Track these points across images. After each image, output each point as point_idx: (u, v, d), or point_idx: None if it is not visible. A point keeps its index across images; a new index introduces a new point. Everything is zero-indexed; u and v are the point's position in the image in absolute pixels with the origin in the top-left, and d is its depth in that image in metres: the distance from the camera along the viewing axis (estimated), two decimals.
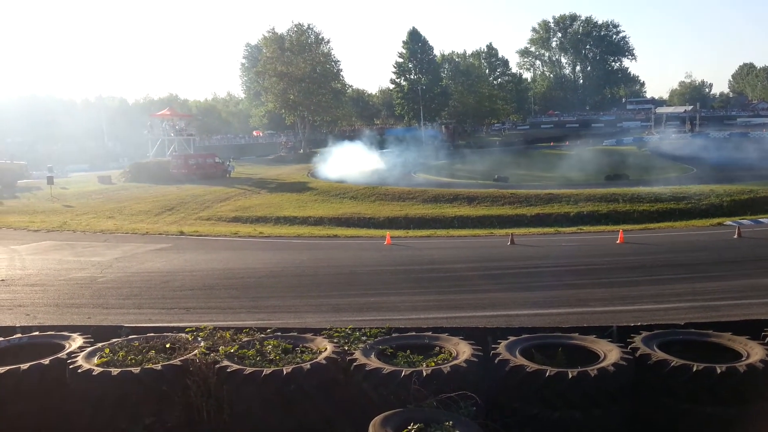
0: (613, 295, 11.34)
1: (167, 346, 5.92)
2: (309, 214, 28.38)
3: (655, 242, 19.49)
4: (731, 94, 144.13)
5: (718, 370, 4.87)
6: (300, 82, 70.97)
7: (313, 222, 27.16)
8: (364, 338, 6.19)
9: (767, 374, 4.95)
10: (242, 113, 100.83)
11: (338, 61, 77.60)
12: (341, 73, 78.72)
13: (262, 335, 6.27)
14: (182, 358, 5.54)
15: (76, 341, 6.11)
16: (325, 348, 5.78)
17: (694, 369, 4.93)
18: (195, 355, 5.56)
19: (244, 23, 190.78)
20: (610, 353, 5.34)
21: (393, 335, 6.23)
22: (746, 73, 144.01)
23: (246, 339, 6.11)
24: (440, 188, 32.74)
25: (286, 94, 72.04)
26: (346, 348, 5.89)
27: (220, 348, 5.74)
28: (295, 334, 6.36)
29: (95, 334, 6.46)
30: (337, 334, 6.34)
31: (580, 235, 21.69)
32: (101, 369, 5.20)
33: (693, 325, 6.22)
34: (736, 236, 18.87)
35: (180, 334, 6.27)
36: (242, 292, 11.86)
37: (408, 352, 5.67)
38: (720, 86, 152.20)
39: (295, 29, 74.19)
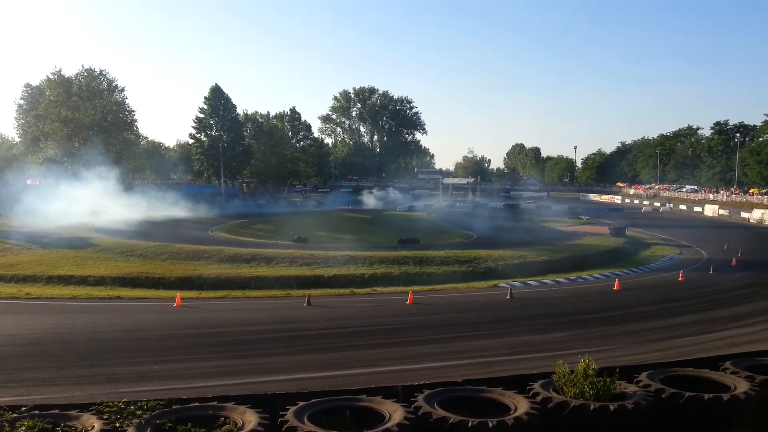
0: (402, 354, 11.81)
1: None
2: (89, 273, 25.75)
3: (441, 302, 20.89)
4: (506, 170, 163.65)
5: (490, 425, 5.22)
6: (87, 130, 65.76)
7: (93, 282, 24.69)
8: (139, 412, 5.62)
9: (531, 426, 5.41)
10: (16, 159, 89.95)
11: (133, 110, 73.57)
12: (135, 123, 74.73)
13: (15, 415, 5.38)
14: None
15: None
16: (93, 426, 5.15)
17: (470, 425, 5.22)
18: None
19: (24, 61, 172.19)
20: (395, 413, 5.45)
21: (174, 407, 5.73)
22: (518, 152, 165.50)
23: None
24: (238, 247, 31.91)
25: (71, 142, 66.20)
26: (118, 425, 5.30)
27: None
28: (57, 411, 5.57)
29: None
30: (108, 408, 5.69)
31: (374, 296, 22.49)
32: None
33: (470, 382, 6.62)
34: (508, 297, 20.99)
35: None
36: None
37: (189, 425, 5.24)
38: (497, 162, 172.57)
39: (86, 74, 69.14)
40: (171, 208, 56.54)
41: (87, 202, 46.03)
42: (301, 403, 5.70)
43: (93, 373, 9.73)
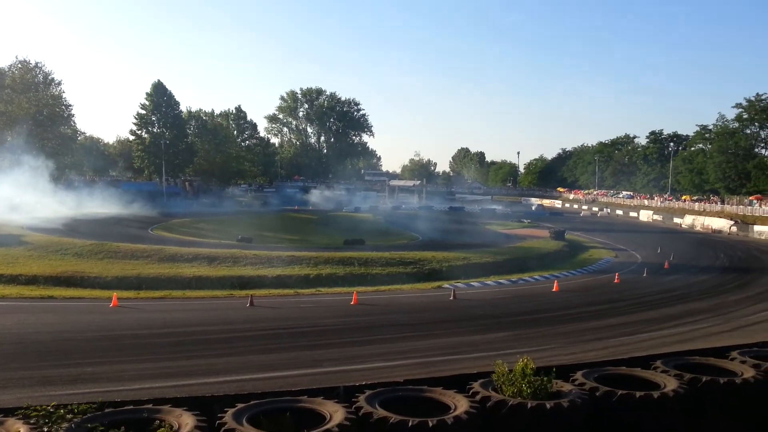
0: (344, 355, 11.77)
1: None
2: (19, 272, 24.61)
3: (385, 303, 20.94)
4: (451, 173, 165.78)
5: (430, 424, 5.26)
6: (21, 124, 63.07)
7: (24, 281, 23.60)
8: (69, 416, 5.41)
9: (470, 425, 5.48)
10: None
11: (70, 105, 71.03)
12: (73, 117, 72.17)
13: None
14: None
15: None
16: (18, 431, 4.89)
17: (410, 424, 5.25)
18: None
19: None
20: (336, 414, 5.43)
21: (106, 410, 5.54)
22: (463, 156, 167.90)
23: None
24: (179, 247, 31.13)
25: (2, 135, 63.36)
26: (46, 429, 5.08)
27: None
28: None
29: None
30: (35, 413, 5.45)
31: (318, 297, 22.35)
32: None
33: (411, 382, 6.65)
34: (452, 298, 21.24)
35: None
36: None
37: (122, 428, 5.07)
38: (443, 165, 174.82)
39: (20, 66, 66.34)
40: (109, 205, 54.82)
41: (17, 199, 44.07)
42: (240, 405, 5.61)
43: (21, 375, 9.29)
